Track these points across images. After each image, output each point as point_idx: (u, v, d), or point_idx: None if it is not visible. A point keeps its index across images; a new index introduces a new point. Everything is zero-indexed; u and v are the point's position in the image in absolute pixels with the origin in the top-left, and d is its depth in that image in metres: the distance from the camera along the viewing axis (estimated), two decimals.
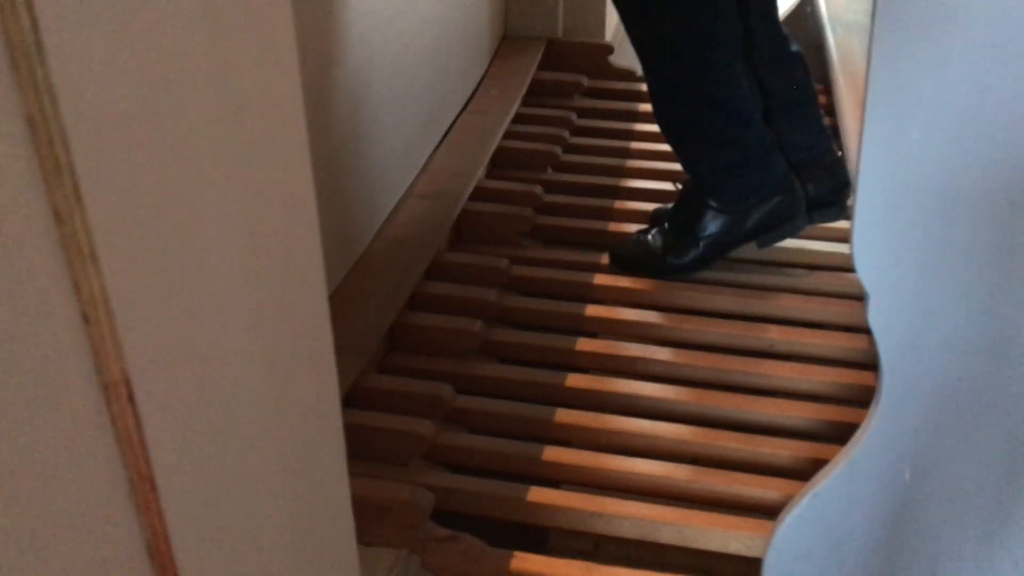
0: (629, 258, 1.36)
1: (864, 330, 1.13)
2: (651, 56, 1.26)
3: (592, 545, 1.05)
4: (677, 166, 1.47)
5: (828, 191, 1.34)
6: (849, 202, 1.35)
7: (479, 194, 1.49)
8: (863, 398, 1.14)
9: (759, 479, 1.04)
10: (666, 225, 1.35)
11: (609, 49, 1.91)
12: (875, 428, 0.80)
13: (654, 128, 1.66)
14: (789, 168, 1.31)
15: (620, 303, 1.31)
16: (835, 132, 1.66)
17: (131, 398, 0.37)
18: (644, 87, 1.83)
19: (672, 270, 1.33)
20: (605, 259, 1.38)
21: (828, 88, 1.73)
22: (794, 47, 1.33)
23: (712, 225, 1.32)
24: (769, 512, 0.99)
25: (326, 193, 1.16)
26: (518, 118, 1.71)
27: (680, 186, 1.38)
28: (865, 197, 0.71)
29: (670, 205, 1.45)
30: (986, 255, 0.71)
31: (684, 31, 1.22)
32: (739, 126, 1.27)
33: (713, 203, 1.31)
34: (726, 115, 1.26)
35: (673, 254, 1.33)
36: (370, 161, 1.30)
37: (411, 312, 1.26)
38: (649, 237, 1.35)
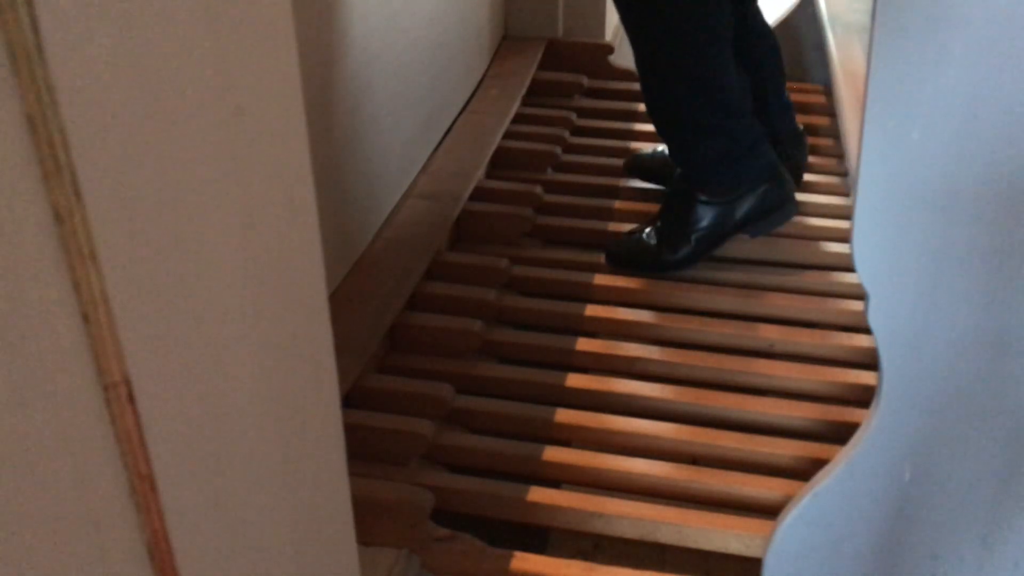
0: (625, 256, 1.36)
1: (864, 330, 1.13)
2: (643, 42, 1.27)
3: (592, 545, 1.05)
4: None
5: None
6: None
7: (479, 194, 1.49)
8: (863, 398, 1.14)
9: (759, 479, 1.04)
10: (658, 223, 1.35)
11: (609, 49, 1.91)
12: (875, 428, 0.80)
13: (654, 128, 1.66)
14: (776, 157, 1.33)
15: (619, 303, 1.31)
16: (835, 132, 1.66)
17: (131, 398, 0.37)
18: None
19: (667, 266, 1.34)
20: (604, 259, 1.38)
21: (828, 88, 1.73)
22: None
23: (704, 218, 1.32)
24: (769, 512, 0.99)
25: (326, 193, 1.16)
26: (518, 118, 1.71)
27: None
28: (865, 197, 0.71)
29: (648, 151, 1.52)
30: (986, 255, 0.71)
31: (675, 16, 1.23)
32: (729, 115, 1.28)
33: (702, 196, 1.32)
34: (716, 103, 1.27)
35: (667, 250, 1.33)
36: (370, 161, 1.30)
37: (411, 312, 1.26)
38: (644, 235, 1.36)
